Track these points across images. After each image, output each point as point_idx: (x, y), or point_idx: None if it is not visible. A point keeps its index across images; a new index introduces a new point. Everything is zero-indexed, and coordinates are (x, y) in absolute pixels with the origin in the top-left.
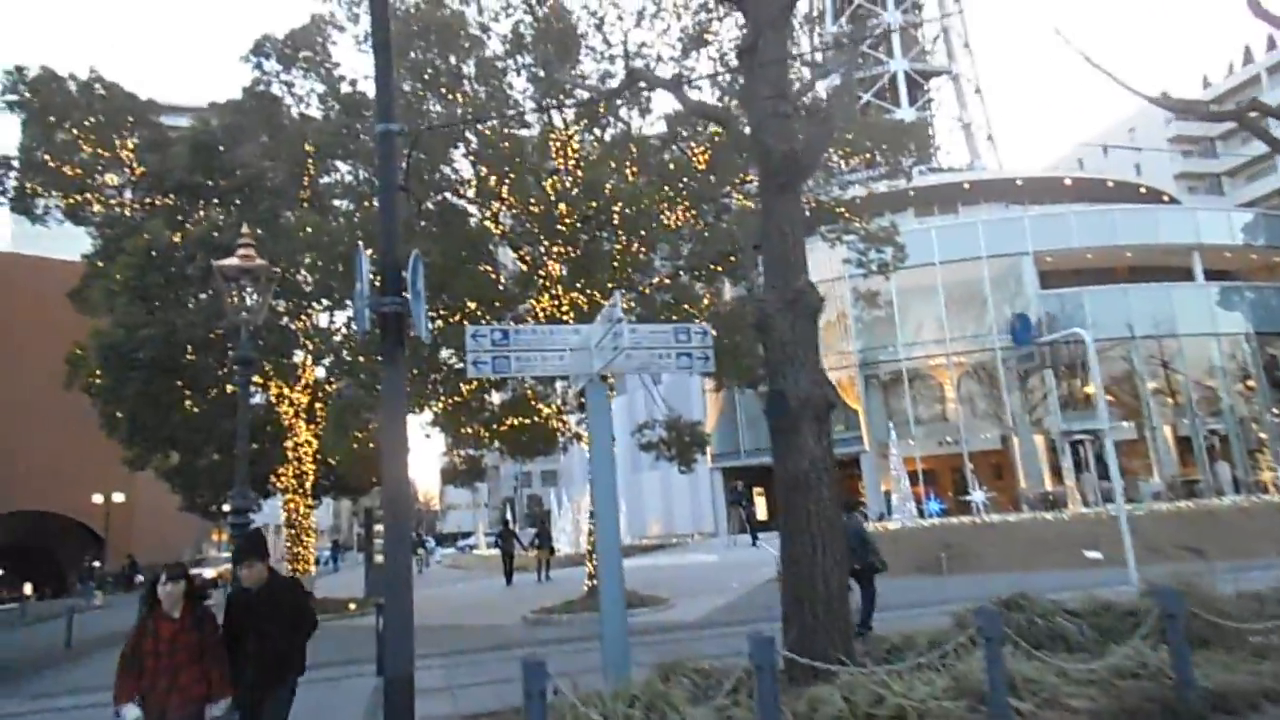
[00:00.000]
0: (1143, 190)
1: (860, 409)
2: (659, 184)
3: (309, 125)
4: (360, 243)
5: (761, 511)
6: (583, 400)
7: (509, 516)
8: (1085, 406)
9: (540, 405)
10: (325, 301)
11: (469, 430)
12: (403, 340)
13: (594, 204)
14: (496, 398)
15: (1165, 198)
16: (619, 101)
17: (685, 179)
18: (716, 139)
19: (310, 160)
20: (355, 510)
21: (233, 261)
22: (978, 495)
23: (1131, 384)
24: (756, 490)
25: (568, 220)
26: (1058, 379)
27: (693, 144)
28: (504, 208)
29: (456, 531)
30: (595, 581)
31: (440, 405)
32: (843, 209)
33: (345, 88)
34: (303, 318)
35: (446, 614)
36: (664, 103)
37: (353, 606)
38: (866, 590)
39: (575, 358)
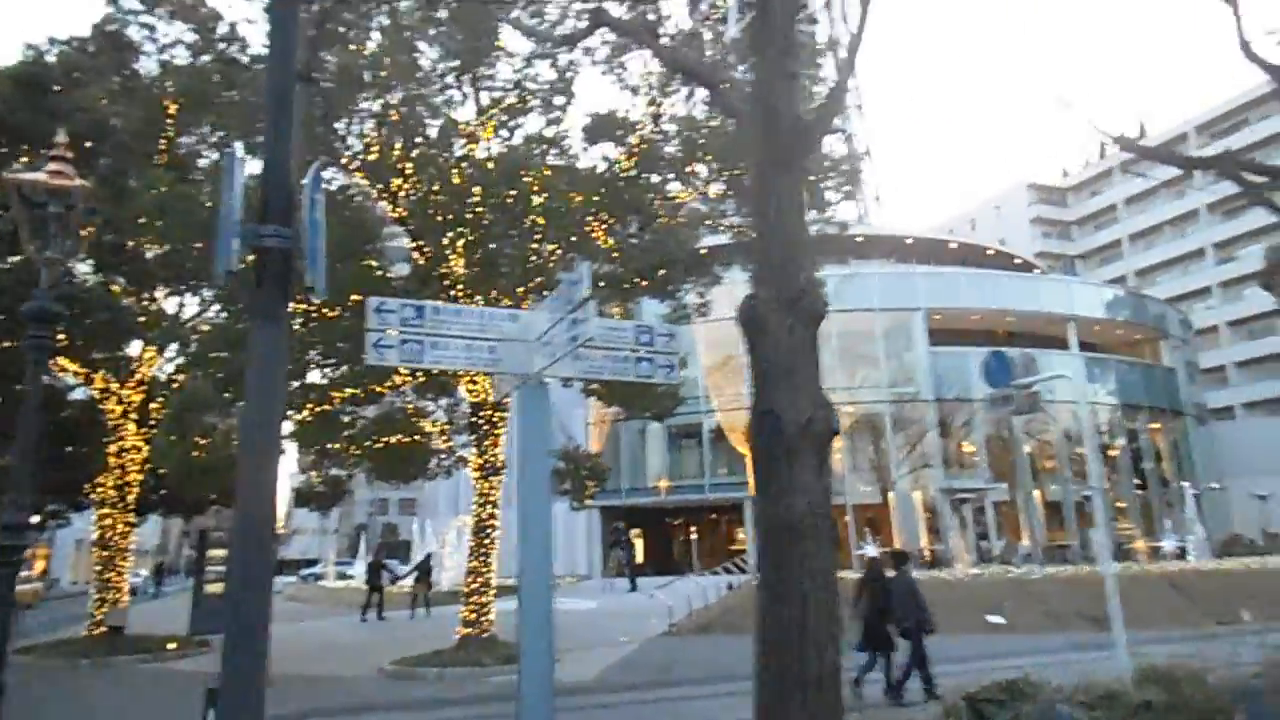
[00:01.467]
0: (1017, 261)
1: (748, 454)
2: (582, 185)
3: (173, 73)
4: (233, 150)
5: (639, 554)
6: (475, 419)
7: (363, 544)
8: (964, 466)
9: (422, 422)
10: (175, 282)
11: (334, 446)
12: (287, 290)
13: (512, 193)
14: (371, 410)
15: (1037, 270)
16: (567, 66)
17: (608, 184)
18: (643, 145)
19: (170, 117)
20: (187, 530)
21: (37, 177)
22: (869, 549)
23: (1006, 446)
24: (634, 532)
25: (479, 210)
26: (943, 435)
27: (617, 149)
28: (405, 185)
29: (300, 558)
30: (471, 629)
31: (302, 416)
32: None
33: (223, 37)
34: (144, 299)
35: (291, 660)
36: (587, 102)
37: (172, 646)
38: (916, 651)
39: (509, 351)
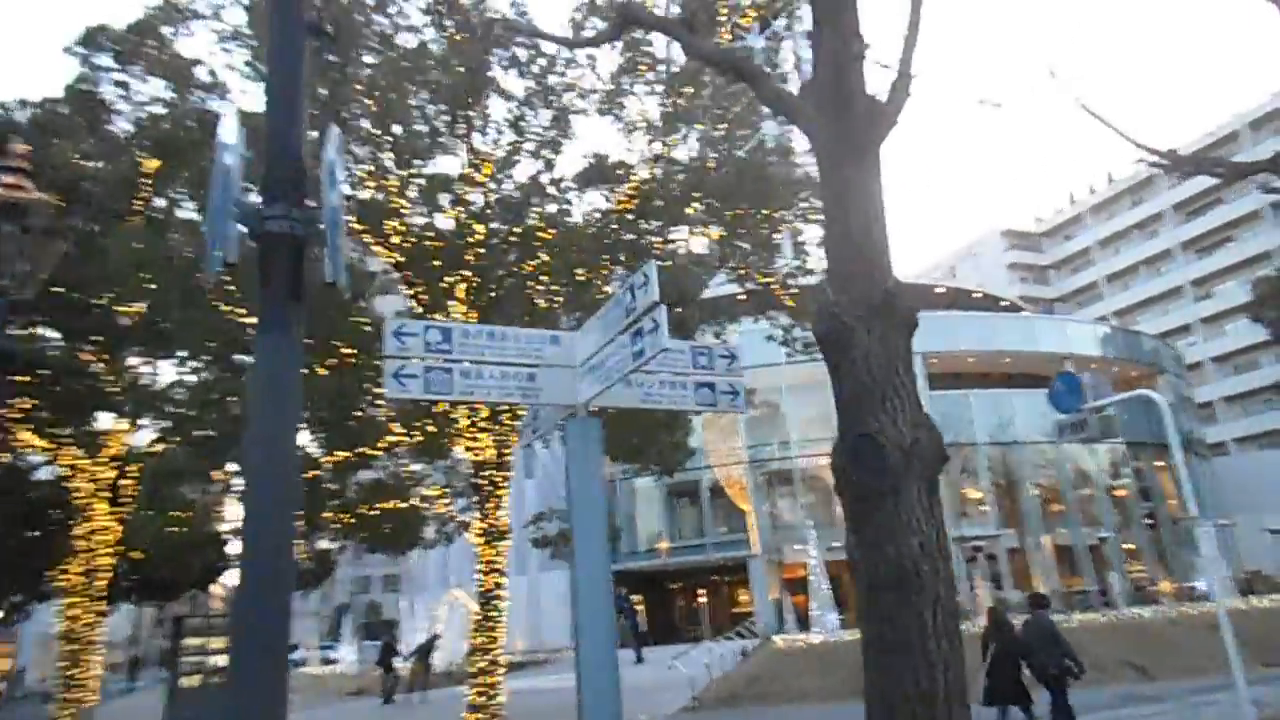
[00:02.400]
0: (1004, 303)
1: (749, 509)
2: (580, 233)
3: (150, 128)
4: (224, 122)
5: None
6: (478, 479)
7: (348, 625)
8: (967, 515)
9: (419, 487)
10: (150, 346)
11: (325, 516)
12: (299, 287)
13: (517, 231)
14: (362, 475)
15: (1025, 312)
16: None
17: (605, 229)
18: (644, 187)
19: (146, 176)
20: (160, 619)
21: None
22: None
23: (1011, 490)
24: (635, 598)
25: (479, 251)
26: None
27: (614, 190)
28: (399, 226)
29: None
30: (479, 715)
31: None
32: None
33: (201, 84)
34: (116, 366)
35: None
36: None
37: None
38: (1061, 700)
39: (551, 379)
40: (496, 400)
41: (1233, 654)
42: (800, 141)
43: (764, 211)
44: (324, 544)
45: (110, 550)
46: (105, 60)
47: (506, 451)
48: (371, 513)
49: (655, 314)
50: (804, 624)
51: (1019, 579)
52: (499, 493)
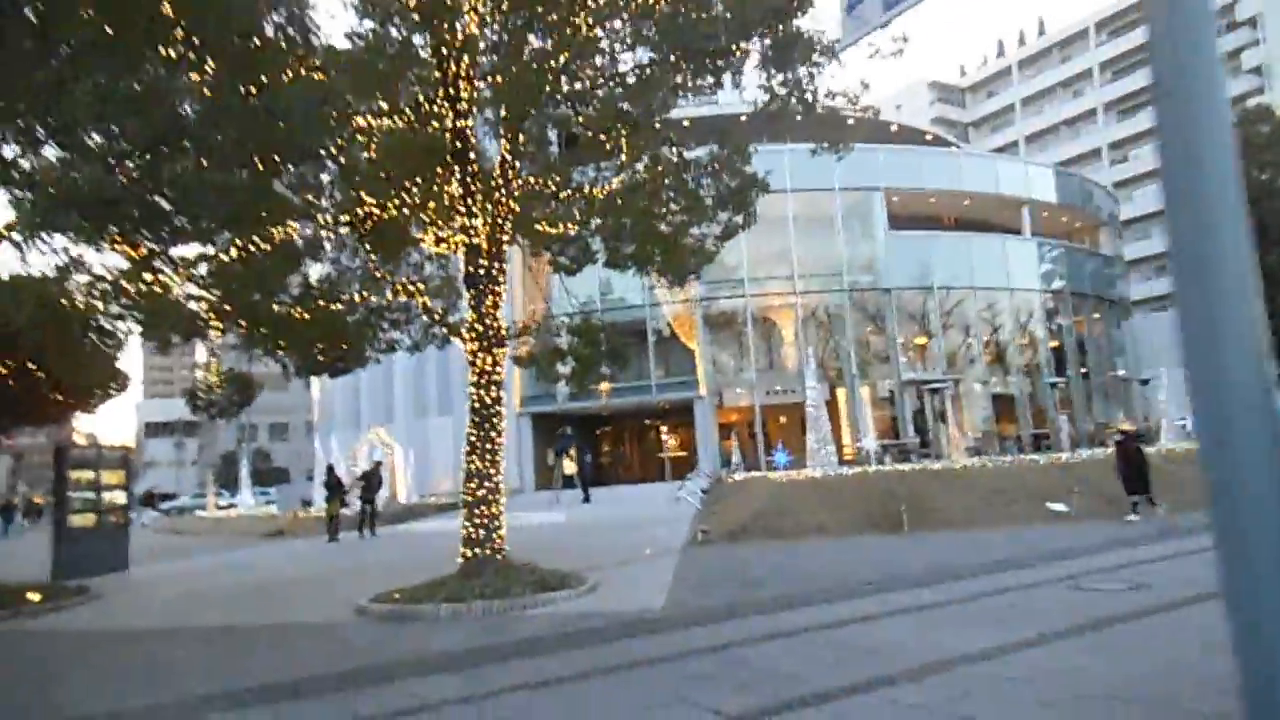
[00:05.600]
0: (927, 137)
1: (698, 350)
2: None
3: None
4: None
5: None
6: (473, 269)
7: (244, 472)
8: (918, 358)
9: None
10: None
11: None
12: None
13: None
14: (315, 271)
15: (956, 148)
16: None
17: None
18: None
19: None
20: (17, 468)
21: None
22: (869, 443)
23: (962, 336)
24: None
25: None
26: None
27: None
28: None
29: (157, 491)
30: (477, 550)
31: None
32: None
33: None
34: None
35: (236, 601)
36: None
37: (35, 597)
38: None
39: None
40: None
41: None
42: None
43: None
44: (257, 360)
45: None
46: None
47: (504, 235)
48: (306, 319)
49: None
50: (753, 466)
51: (964, 425)
52: (498, 288)
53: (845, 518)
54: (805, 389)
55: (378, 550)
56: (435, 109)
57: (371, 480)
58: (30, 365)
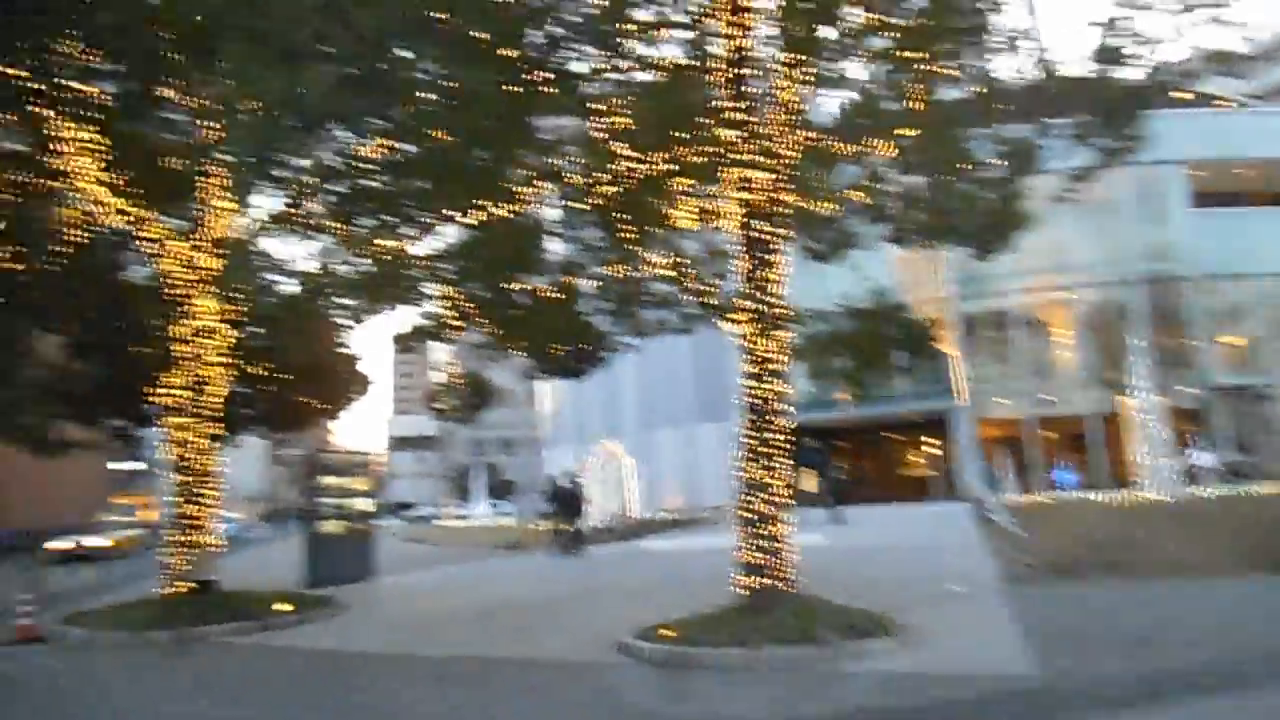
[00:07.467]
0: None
1: (956, 356)
2: None
3: None
4: None
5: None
6: (751, 233)
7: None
8: (1233, 361)
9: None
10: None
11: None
12: None
13: None
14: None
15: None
16: None
17: None
18: None
19: None
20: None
21: None
22: (1204, 458)
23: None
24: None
25: None
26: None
27: None
28: None
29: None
30: (757, 578)
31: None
32: None
33: None
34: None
35: (477, 625)
36: None
37: (285, 607)
38: None
39: None
40: None
41: None
42: None
43: None
44: (490, 361)
45: (220, 357)
46: None
47: (785, 193)
48: (546, 308)
49: None
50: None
51: None
52: (775, 258)
53: (1213, 551)
54: (1082, 399)
55: (616, 569)
56: (713, 18)
57: (572, 500)
58: (283, 374)
